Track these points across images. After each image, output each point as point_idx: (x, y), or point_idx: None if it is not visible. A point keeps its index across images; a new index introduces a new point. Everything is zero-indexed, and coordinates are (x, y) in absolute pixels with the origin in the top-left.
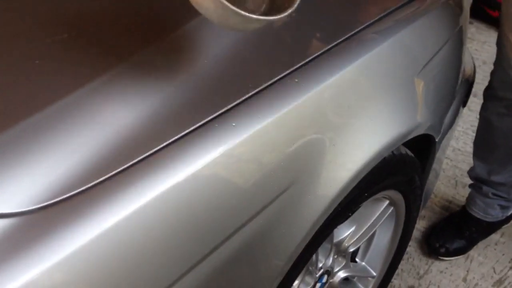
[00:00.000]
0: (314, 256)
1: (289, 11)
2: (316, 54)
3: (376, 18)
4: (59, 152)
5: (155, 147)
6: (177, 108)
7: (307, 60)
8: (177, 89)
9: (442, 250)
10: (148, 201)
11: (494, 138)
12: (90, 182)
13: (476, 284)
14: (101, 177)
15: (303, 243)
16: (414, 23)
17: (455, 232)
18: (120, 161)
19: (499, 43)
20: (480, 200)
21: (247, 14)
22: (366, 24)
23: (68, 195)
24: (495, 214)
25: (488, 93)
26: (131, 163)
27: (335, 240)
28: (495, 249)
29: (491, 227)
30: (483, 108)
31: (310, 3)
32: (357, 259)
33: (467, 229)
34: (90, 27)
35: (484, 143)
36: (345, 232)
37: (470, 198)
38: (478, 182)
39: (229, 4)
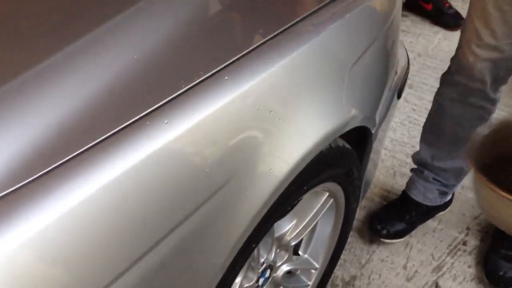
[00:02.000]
0: (255, 252)
1: None
2: (248, 50)
3: (308, 12)
4: None
5: (84, 146)
6: (107, 106)
7: (238, 56)
8: (106, 87)
9: (384, 232)
10: (78, 201)
11: (443, 123)
12: (17, 183)
13: (416, 271)
14: (29, 177)
15: (242, 239)
16: (346, 17)
17: (396, 215)
18: (48, 161)
19: (464, 28)
20: (420, 184)
21: None
22: (298, 19)
23: None
24: (434, 198)
25: (445, 78)
26: (59, 162)
27: (276, 234)
28: (433, 236)
29: (430, 212)
30: (438, 92)
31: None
32: (299, 252)
33: (407, 213)
34: (15, 23)
35: (433, 127)
36: (286, 226)
37: (410, 182)
38: (420, 166)
39: None
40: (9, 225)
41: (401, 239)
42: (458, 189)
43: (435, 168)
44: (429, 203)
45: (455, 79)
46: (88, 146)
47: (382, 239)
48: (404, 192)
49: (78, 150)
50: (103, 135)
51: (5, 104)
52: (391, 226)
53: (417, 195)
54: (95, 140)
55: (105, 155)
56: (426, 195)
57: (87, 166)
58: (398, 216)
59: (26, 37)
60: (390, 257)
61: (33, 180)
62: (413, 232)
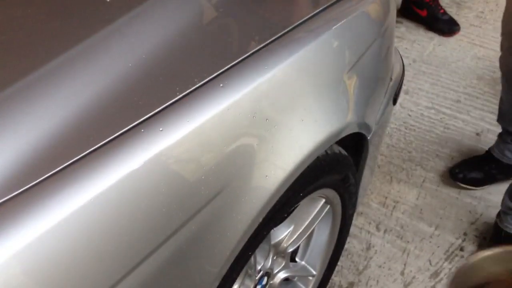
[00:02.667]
0: (252, 259)
1: None
2: (243, 57)
3: (304, 18)
4: None
5: (79, 154)
6: (101, 114)
7: (234, 62)
8: (101, 95)
9: (460, 175)
10: (72, 211)
11: None
12: (18, 189)
13: (414, 277)
14: (27, 183)
15: (239, 246)
16: (341, 24)
17: (475, 165)
18: (45, 167)
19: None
20: (500, 144)
21: None
22: (292, 25)
23: None
24: (510, 156)
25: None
26: (54, 170)
27: (273, 241)
28: (430, 242)
29: (508, 170)
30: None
31: (239, 4)
32: (297, 259)
33: (486, 165)
34: (15, 28)
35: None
36: (283, 233)
37: (494, 144)
38: (503, 129)
39: None
40: (8, 231)
41: (477, 188)
42: (454, 194)
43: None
44: (506, 161)
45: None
46: (83, 153)
47: (458, 183)
48: (487, 151)
49: (73, 157)
50: (99, 143)
51: None
52: (468, 172)
53: (497, 153)
54: (91, 148)
55: (100, 163)
56: (504, 153)
57: (81, 174)
58: (477, 166)
59: (19, 44)
60: (388, 263)
61: (29, 187)
62: (410, 238)
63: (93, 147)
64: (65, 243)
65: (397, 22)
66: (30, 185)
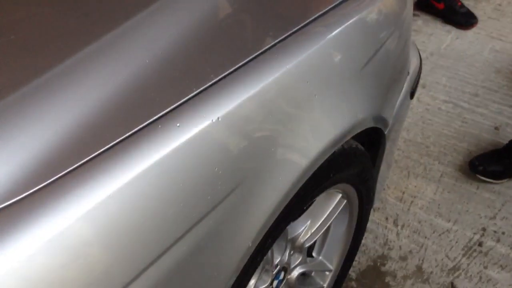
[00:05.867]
0: (269, 254)
1: None
2: (259, 51)
3: (319, 13)
4: None
5: (97, 151)
6: (120, 110)
7: (250, 57)
8: (119, 92)
9: (480, 168)
10: (95, 204)
11: None
12: (32, 188)
13: (431, 273)
14: (43, 182)
15: (256, 241)
16: (356, 18)
17: (496, 158)
18: (60, 166)
19: None
20: None
21: None
22: (309, 20)
23: (9, 202)
24: None
25: None
26: (71, 168)
27: (290, 236)
28: (448, 237)
29: None
30: None
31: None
32: (313, 254)
33: (507, 157)
34: (26, 28)
35: None
36: (300, 228)
37: None
38: None
39: None
40: (30, 228)
41: (497, 181)
42: (473, 189)
43: None
44: None
45: None
46: (102, 150)
47: (478, 175)
48: (507, 143)
49: (92, 154)
50: (117, 139)
51: (17, 108)
52: (488, 165)
53: None
54: (108, 144)
55: (118, 159)
56: None
57: (100, 171)
58: (498, 158)
59: (39, 40)
60: (405, 258)
61: (48, 184)
62: (427, 233)
63: (111, 143)
64: (87, 235)
65: (414, 15)
66: (49, 181)
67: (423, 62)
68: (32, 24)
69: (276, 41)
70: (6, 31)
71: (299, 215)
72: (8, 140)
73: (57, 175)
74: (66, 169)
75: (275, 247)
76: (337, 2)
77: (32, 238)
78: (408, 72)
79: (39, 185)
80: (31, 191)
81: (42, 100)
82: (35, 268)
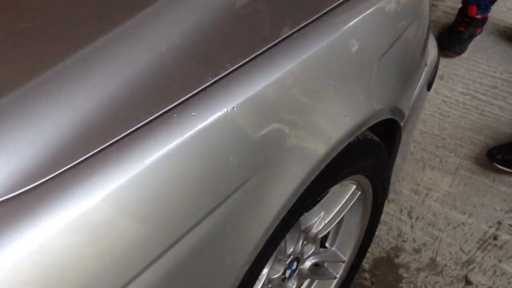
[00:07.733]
0: (282, 244)
1: None
2: (276, 41)
3: (336, 3)
4: None
5: (113, 138)
6: (136, 99)
7: (266, 47)
8: (135, 80)
9: (498, 156)
10: (111, 190)
11: None
12: (38, 180)
13: (445, 265)
14: (49, 175)
15: (269, 230)
16: (374, 8)
17: None
18: (80, 152)
19: None
20: None
21: None
22: (326, 10)
23: (9, 196)
24: None
25: None
26: (86, 156)
27: (303, 227)
28: (463, 230)
29: None
30: None
31: None
32: (327, 245)
33: None
34: (28, 24)
35: None
36: (314, 219)
37: None
38: None
39: None
40: (32, 224)
41: None
42: (489, 182)
43: None
44: None
45: None
46: (118, 138)
47: (495, 164)
48: None
49: (106, 143)
50: (132, 127)
51: (21, 105)
52: (506, 154)
53: None
54: (125, 132)
55: (133, 147)
56: None
57: (117, 159)
58: None
59: (51, 31)
60: (419, 250)
61: (63, 171)
62: (442, 226)
63: (127, 131)
64: (104, 222)
65: (432, 5)
66: (64, 169)
67: None
68: (47, 13)
69: (293, 30)
70: (5, 27)
71: (313, 206)
72: (8, 140)
73: (71, 163)
74: (83, 156)
75: (288, 237)
76: None
77: (35, 235)
78: (426, 63)
79: (56, 171)
80: (40, 181)
81: (65, 86)
82: (34, 268)
